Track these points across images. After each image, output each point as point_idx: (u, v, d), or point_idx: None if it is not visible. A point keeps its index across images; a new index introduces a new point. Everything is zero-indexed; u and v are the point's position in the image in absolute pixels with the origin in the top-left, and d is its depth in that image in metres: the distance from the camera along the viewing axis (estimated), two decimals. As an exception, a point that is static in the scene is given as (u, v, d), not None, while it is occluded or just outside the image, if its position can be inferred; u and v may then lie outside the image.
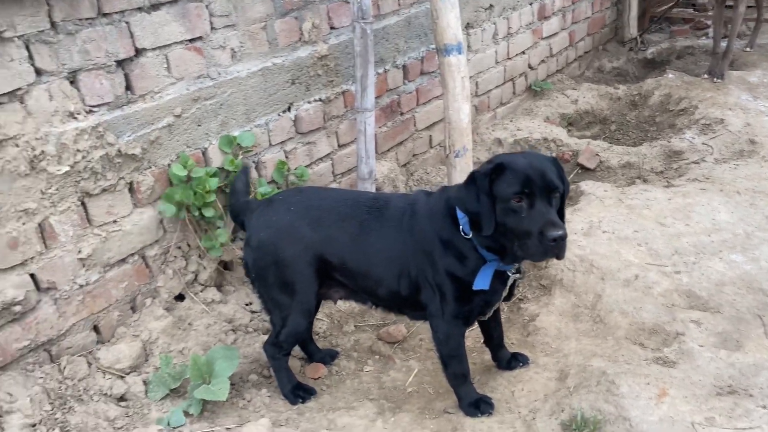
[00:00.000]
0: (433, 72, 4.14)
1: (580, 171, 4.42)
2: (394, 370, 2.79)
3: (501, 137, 4.71)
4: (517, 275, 2.35)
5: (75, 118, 2.39)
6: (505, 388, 2.57)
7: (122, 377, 2.58)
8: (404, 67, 3.91)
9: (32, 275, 2.42)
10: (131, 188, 2.67)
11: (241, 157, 2.99)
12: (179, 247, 2.90)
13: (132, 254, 2.73)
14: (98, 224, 2.58)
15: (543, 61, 5.37)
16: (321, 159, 3.50)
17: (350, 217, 2.39)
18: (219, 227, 2.90)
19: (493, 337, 2.65)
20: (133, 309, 2.80)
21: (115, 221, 2.63)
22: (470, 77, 4.46)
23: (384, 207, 2.41)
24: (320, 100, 3.39)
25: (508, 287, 2.36)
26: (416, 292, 2.37)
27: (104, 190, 2.56)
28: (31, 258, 2.40)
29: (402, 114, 4.00)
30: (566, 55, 5.72)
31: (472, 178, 2.15)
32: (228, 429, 2.36)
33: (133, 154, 2.59)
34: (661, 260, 3.14)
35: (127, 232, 2.68)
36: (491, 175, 2.10)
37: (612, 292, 2.96)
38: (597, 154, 4.45)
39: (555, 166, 2.15)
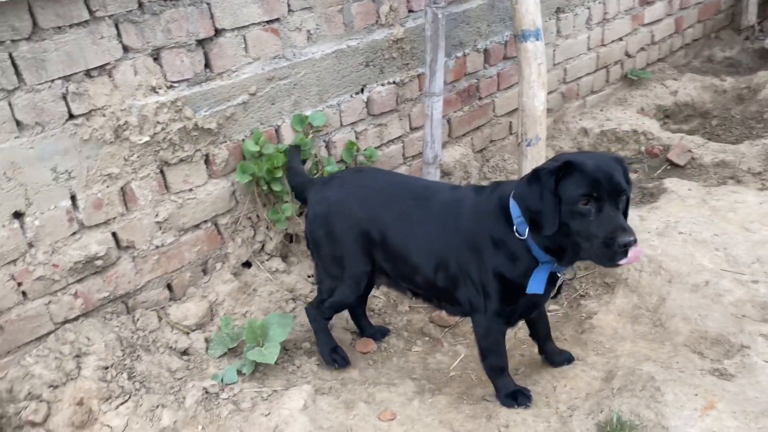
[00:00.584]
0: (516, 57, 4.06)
1: (668, 167, 4.19)
2: (441, 353, 2.84)
3: (588, 127, 4.56)
4: (566, 276, 2.32)
5: (156, 92, 2.60)
6: (548, 382, 2.55)
7: (187, 333, 2.80)
8: (485, 51, 3.87)
9: (114, 234, 2.68)
10: (207, 160, 2.86)
11: (311, 136, 3.10)
12: (249, 218, 3.08)
13: (205, 221, 2.93)
14: (175, 191, 2.80)
15: (643, 48, 5.10)
16: (392, 141, 3.56)
17: (397, 201, 2.45)
18: (286, 201, 3.04)
19: (539, 331, 2.63)
20: (204, 272, 3.02)
21: (190, 190, 2.84)
22: (558, 63, 4.36)
23: (432, 197, 2.43)
24: (394, 82, 3.44)
25: (557, 287, 2.32)
26: (453, 286, 2.38)
27: (181, 161, 2.76)
28: (113, 218, 2.65)
29: (480, 99, 3.97)
30: (670, 43, 5.39)
31: (536, 175, 2.08)
32: (275, 391, 2.51)
33: (209, 129, 2.77)
34: (738, 267, 2.95)
35: (201, 201, 2.88)
36: (558, 173, 2.04)
37: (678, 296, 2.83)
38: (689, 150, 4.20)
39: (622, 167, 2.10)
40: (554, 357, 2.65)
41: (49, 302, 2.57)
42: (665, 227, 3.25)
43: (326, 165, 3.18)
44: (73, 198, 2.53)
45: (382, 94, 3.39)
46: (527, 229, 2.16)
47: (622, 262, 2.00)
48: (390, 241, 2.46)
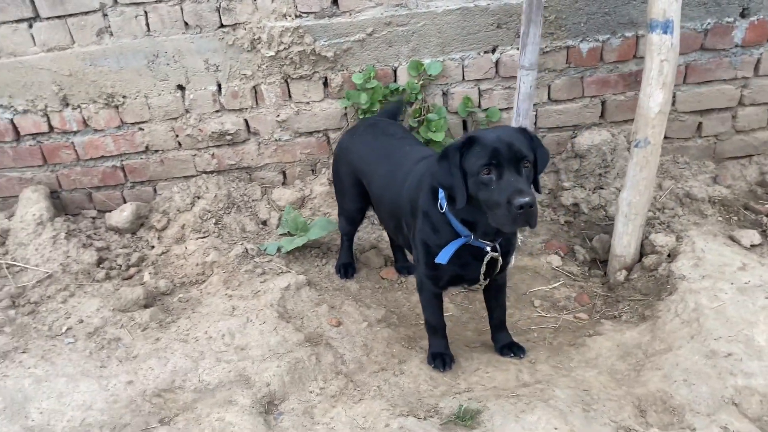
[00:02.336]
0: (722, 50, 3.49)
1: None
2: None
3: None
4: (495, 254, 2.35)
5: (285, 18, 3.28)
6: (475, 363, 2.63)
7: (274, 210, 3.60)
8: (670, 36, 3.44)
9: (245, 120, 3.56)
10: (325, 82, 3.48)
11: (420, 82, 3.42)
12: (354, 139, 3.63)
13: (318, 131, 3.60)
14: (295, 101, 3.52)
15: None
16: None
17: (383, 160, 2.73)
18: (379, 133, 3.49)
19: (492, 315, 2.67)
20: (313, 171, 3.74)
21: (307, 102, 3.53)
22: None
23: (403, 162, 2.64)
24: (533, 49, 3.42)
25: (484, 265, 2.37)
26: (408, 242, 2.64)
27: (301, 77, 3.44)
28: (245, 108, 3.53)
29: (655, 88, 3.58)
30: None
31: (445, 152, 2.21)
32: (284, 270, 3.16)
33: (325, 56, 3.37)
34: (798, 360, 2.38)
35: (315, 114, 3.54)
36: (461, 149, 2.16)
37: (685, 354, 2.47)
38: None
39: (524, 136, 2.19)
40: (501, 346, 2.68)
41: (195, 155, 3.64)
42: (747, 284, 2.70)
43: (432, 112, 3.47)
44: (218, 85, 3.47)
45: (514, 58, 3.43)
46: (445, 204, 2.30)
47: None
48: (372, 193, 2.81)
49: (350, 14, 3.30)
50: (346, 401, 2.39)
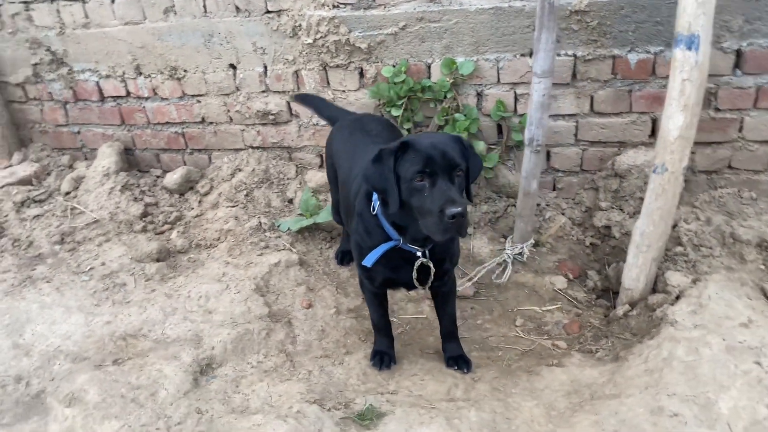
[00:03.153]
0: None
1: None
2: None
3: None
4: (424, 259, 2.31)
5: (323, 7, 3.40)
6: (414, 369, 2.59)
7: (302, 191, 3.77)
8: (738, 52, 3.04)
9: (287, 102, 3.76)
10: (361, 72, 3.55)
11: (450, 80, 3.37)
12: (386, 131, 3.67)
13: (352, 119, 3.69)
14: (333, 88, 3.64)
15: None
16: (559, 116, 3.38)
17: (352, 155, 2.72)
18: (405, 125, 3.50)
19: (441, 325, 2.62)
20: (348, 158, 3.84)
21: (343, 91, 3.63)
22: None
23: (364, 157, 2.52)
24: (573, 55, 3.21)
25: (415, 270, 2.33)
26: None
27: (338, 66, 3.55)
28: (287, 91, 3.72)
29: (718, 110, 3.19)
30: None
31: (379, 155, 2.17)
32: (285, 248, 3.32)
33: (359, 47, 3.44)
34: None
35: (350, 102, 3.64)
36: (396, 153, 2.14)
37: (632, 406, 2.24)
38: None
39: (458, 145, 2.15)
40: (448, 357, 2.61)
41: (243, 130, 3.92)
42: (741, 343, 2.36)
43: (462, 112, 3.39)
44: (264, 67, 3.69)
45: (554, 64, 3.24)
46: (378, 206, 2.29)
47: None
48: (341, 186, 2.81)
49: (385, 7, 3.33)
50: (273, 378, 2.50)
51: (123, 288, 3.11)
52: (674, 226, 3.17)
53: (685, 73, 2.54)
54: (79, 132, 4.25)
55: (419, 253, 2.30)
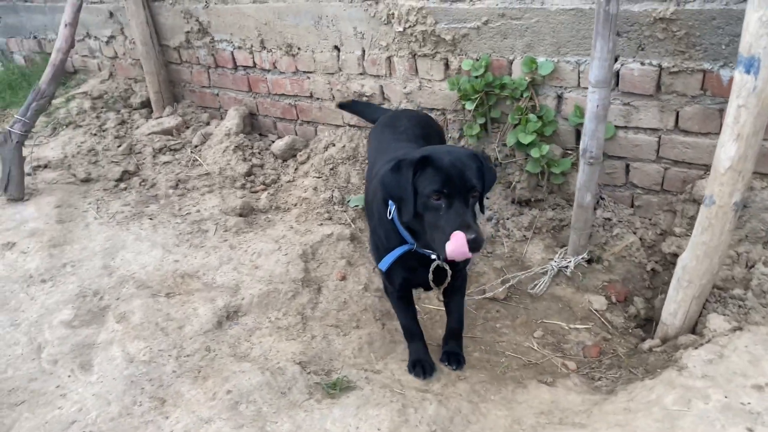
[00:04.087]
0: None
1: None
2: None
3: None
4: (440, 262, 2.32)
5: (414, -2, 3.52)
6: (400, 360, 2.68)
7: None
8: None
9: (381, 86, 3.96)
10: (446, 63, 3.62)
11: (528, 79, 3.30)
12: (459, 121, 3.71)
13: (436, 109, 3.79)
14: (420, 76, 3.76)
15: None
16: (640, 129, 3.16)
17: (376, 150, 2.79)
18: (478, 122, 3.51)
19: (448, 320, 2.65)
20: (431, 146, 3.95)
21: (429, 80, 3.73)
22: None
23: (385, 156, 2.62)
24: (658, 66, 2.98)
25: (431, 272, 2.36)
26: None
27: (425, 55, 3.65)
28: (381, 75, 3.91)
29: (826, 143, 2.77)
30: None
31: (399, 165, 2.16)
32: (353, 205, 3.56)
33: (444, 39, 3.50)
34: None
35: (435, 92, 3.73)
36: (416, 166, 2.13)
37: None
38: None
39: (475, 163, 2.16)
40: (444, 351, 2.64)
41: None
42: (744, 405, 2.12)
43: (538, 113, 3.32)
44: (362, 51, 3.91)
45: (635, 73, 3.03)
46: (394, 210, 2.32)
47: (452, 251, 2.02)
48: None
49: (470, 1, 3.34)
50: (281, 336, 2.78)
51: (203, 234, 3.59)
52: (751, 266, 2.85)
53: (742, 99, 2.26)
54: (218, 94, 4.86)
55: (434, 256, 2.31)
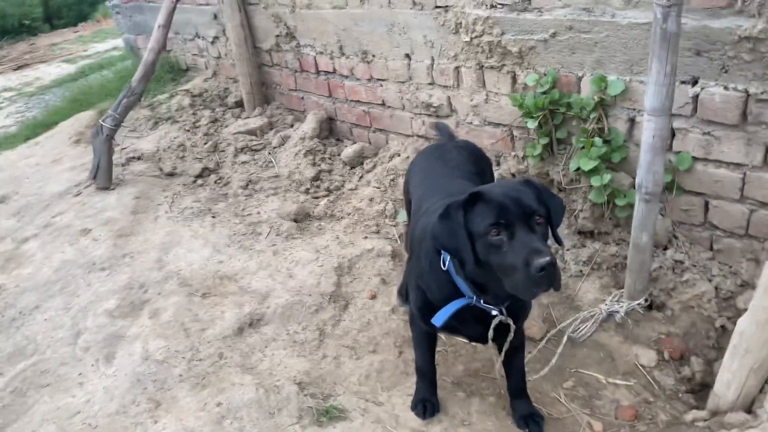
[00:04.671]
0: None
1: None
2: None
3: None
4: (503, 317, 2.08)
5: (481, 6, 3.30)
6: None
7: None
8: None
9: (448, 97, 3.79)
10: (513, 77, 3.38)
11: (594, 99, 2.99)
12: (524, 139, 3.44)
13: (503, 124, 3.56)
14: (487, 89, 3.55)
15: None
16: (722, 163, 2.74)
17: (426, 182, 2.57)
18: (536, 142, 3.23)
19: (510, 381, 2.42)
20: (498, 164, 3.72)
21: (496, 93, 3.50)
22: None
23: (430, 202, 2.38)
24: (745, 91, 2.56)
25: (492, 329, 2.11)
26: None
27: (492, 67, 3.43)
28: (448, 86, 3.74)
29: None
30: None
31: (447, 211, 1.93)
32: (400, 221, 3.45)
33: (511, 50, 3.27)
34: None
35: (501, 107, 3.50)
36: (465, 206, 1.90)
37: None
38: None
39: (532, 189, 1.92)
40: (519, 416, 2.39)
41: (412, 118, 4.08)
42: None
43: (605, 137, 3.00)
44: (432, 60, 3.76)
45: (716, 98, 2.63)
46: (449, 261, 2.08)
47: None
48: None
49: (539, 11, 3.08)
50: (294, 351, 2.74)
51: (256, 237, 3.64)
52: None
53: (815, 140, 1.86)
54: (302, 98, 4.93)
55: (495, 311, 2.06)
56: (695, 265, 2.93)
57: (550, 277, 1.73)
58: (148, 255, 3.52)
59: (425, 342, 2.40)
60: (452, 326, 2.19)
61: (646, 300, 2.83)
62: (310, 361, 2.67)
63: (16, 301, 3.24)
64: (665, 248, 3.03)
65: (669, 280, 2.93)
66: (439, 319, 2.10)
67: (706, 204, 2.87)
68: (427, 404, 2.41)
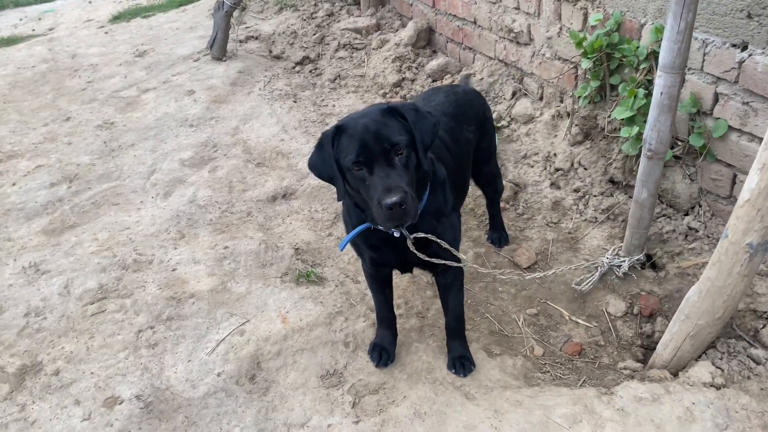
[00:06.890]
0: None
1: None
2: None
3: None
4: (414, 234, 2.06)
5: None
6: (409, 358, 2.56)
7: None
8: None
9: (529, 25, 3.80)
10: (585, 14, 3.34)
11: (648, 49, 2.92)
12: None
13: (570, 60, 3.55)
14: (562, 23, 3.54)
15: None
16: (755, 137, 2.62)
17: None
18: (588, 83, 3.23)
19: (446, 319, 2.45)
20: (561, 100, 3.74)
21: (569, 28, 3.48)
22: None
23: None
24: (788, 64, 2.42)
25: (413, 249, 2.09)
26: None
27: (568, 1, 3.41)
28: (530, 14, 3.75)
29: None
30: None
31: (321, 141, 1.97)
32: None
33: (586, -13, 3.23)
34: None
35: (569, 43, 3.49)
36: (333, 138, 1.93)
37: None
38: None
39: (393, 119, 1.90)
40: (449, 358, 2.42)
41: (496, 41, 4.14)
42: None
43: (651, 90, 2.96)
44: (519, -15, 3.77)
45: (759, 68, 2.50)
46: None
47: None
48: None
49: (615, -51, 3.00)
50: (307, 224, 3.15)
51: (323, 126, 4.03)
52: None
53: (776, 121, 1.83)
54: (412, 4, 5.09)
55: (396, 233, 2.06)
56: (708, 236, 2.89)
57: (401, 213, 1.79)
58: (229, 122, 4.05)
59: (374, 283, 2.39)
60: (374, 258, 2.23)
61: (646, 257, 2.86)
62: (317, 235, 3.07)
63: (120, 137, 3.94)
64: (686, 213, 3.00)
65: (678, 245, 2.92)
66: (342, 244, 2.16)
67: (734, 177, 2.78)
68: (383, 352, 2.41)
